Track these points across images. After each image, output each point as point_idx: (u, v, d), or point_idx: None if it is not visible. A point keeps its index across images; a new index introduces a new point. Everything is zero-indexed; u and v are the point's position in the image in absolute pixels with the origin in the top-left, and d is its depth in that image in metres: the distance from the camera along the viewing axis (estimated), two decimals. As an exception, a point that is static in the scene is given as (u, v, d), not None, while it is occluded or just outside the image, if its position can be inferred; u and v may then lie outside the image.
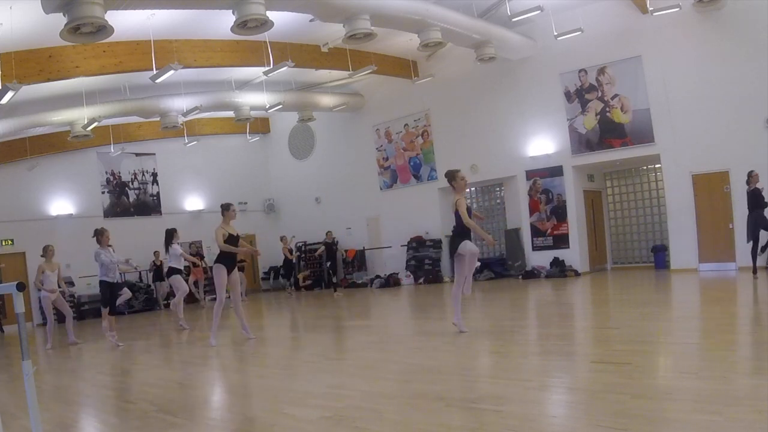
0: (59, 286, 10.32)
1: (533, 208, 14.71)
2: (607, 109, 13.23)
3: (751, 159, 11.31)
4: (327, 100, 16.84)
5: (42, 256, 10.36)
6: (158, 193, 18.64)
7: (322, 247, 16.15)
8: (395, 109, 17.28)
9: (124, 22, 9.28)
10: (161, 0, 8.62)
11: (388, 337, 8.63)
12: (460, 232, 7.07)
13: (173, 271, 11.78)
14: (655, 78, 12.42)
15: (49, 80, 10.59)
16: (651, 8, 11.35)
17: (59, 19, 7.67)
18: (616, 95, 13.07)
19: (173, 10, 9.43)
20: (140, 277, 17.20)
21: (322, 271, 18.94)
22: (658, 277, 12.23)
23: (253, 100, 15.18)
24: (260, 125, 20.01)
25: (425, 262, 16.33)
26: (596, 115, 13.42)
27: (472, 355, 6.41)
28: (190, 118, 14.95)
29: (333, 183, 19.26)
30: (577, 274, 13.73)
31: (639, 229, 14.84)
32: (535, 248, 14.72)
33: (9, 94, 9.10)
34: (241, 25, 8.70)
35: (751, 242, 10.28)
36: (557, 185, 14.27)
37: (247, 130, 18.68)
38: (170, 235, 11.63)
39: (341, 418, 4.14)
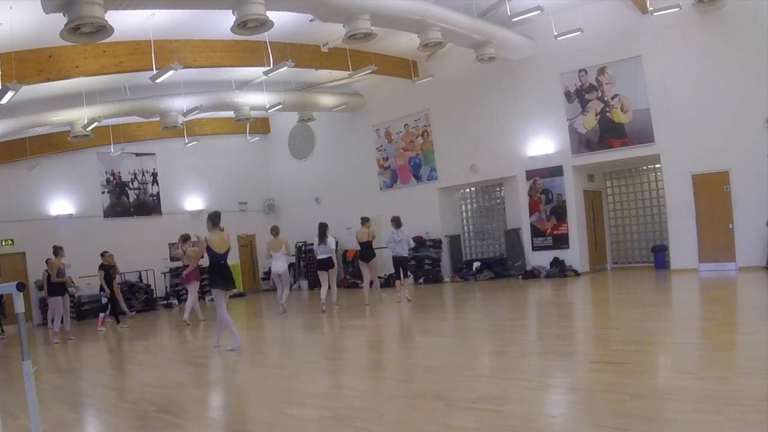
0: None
1: (533, 208, 14.71)
2: (607, 109, 13.23)
3: (751, 159, 11.33)
4: (327, 100, 16.83)
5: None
6: (158, 193, 18.64)
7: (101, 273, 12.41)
8: (395, 109, 17.27)
9: (124, 22, 9.27)
10: (161, 0, 8.62)
11: (388, 337, 8.63)
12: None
13: (325, 263, 11.72)
14: (655, 78, 12.42)
15: (49, 80, 10.59)
16: (651, 8, 11.34)
17: (59, 19, 7.66)
18: (616, 95, 13.07)
19: (173, 10, 9.42)
20: (140, 277, 17.19)
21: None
22: (658, 277, 12.23)
23: (253, 100, 15.18)
24: (260, 125, 20.00)
25: (425, 262, 16.32)
26: (596, 115, 13.42)
27: (472, 355, 6.41)
28: (190, 118, 14.94)
29: (333, 183, 19.26)
30: (577, 274, 13.73)
31: (639, 229, 14.83)
32: (535, 248, 14.71)
33: (9, 94, 9.09)
34: (241, 25, 8.69)
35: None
36: (557, 185, 14.26)
37: (247, 130, 18.67)
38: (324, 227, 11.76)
39: (341, 418, 4.15)
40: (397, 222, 12.15)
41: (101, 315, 12.66)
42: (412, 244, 12.66)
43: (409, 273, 12.38)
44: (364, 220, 12.31)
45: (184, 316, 11.80)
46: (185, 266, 12.30)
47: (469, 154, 15.63)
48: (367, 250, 12.16)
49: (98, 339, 11.36)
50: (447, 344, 7.23)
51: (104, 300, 12.74)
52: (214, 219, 7.80)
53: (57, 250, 11.10)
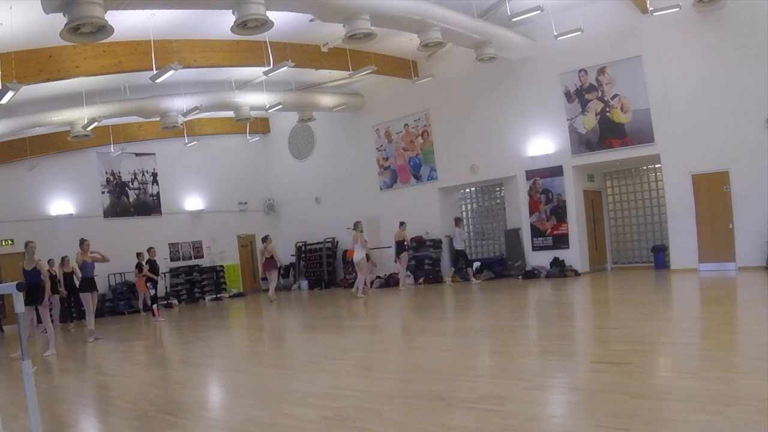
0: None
1: (533, 208, 14.70)
2: (607, 109, 13.23)
3: (751, 159, 11.33)
4: (327, 100, 16.83)
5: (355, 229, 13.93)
6: (158, 193, 18.64)
7: (146, 267, 13.79)
8: (395, 109, 17.27)
9: (124, 22, 9.27)
10: (161, 0, 8.62)
11: (388, 337, 8.63)
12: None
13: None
14: (655, 78, 12.42)
15: (49, 80, 10.58)
16: (651, 8, 11.34)
17: (59, 19, 7.66)
18: (616, 95, 13.07)
19: (173, 10, 9.43)
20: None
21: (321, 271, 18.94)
22: (658, 277, 12.23)
23: (253, 100, 15.17)
24: (260, 125, 20.00)
25: (425, 262, 16.33)
26: (596, 115, 13.42)
27: (472, 355, 6.41)
28: (190, 118, 14.94)
29: (333, 183, 19.26)
30: (577, 274, 13.72)
31: (639, 229, 14.83)
32: (535, 248, 14.71)
33: (9, 94, 9.09)
34: (241, 25, 8.69)
35: None
36: (557, 185, 14.26)
37: (247, 130, 18.68)
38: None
39: (341, 418, 4.15)
40: (456, 221, 14.90)
41: (154, 306, 13.70)
42: (454, 243, 14.90)
43: (468, 261, 14.88)
44: (402, 224, 15.04)
45: (270, 294, 15.17)
46: (267, 259, 15.07)
47: (469, 154, 15.63)
48: (400, 248, 14.88)
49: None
50: (447, 344, 7.23)
51: (152, 292, 13.88)
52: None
53: (81, 243, 10.86)
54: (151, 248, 14.28)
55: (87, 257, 10.77)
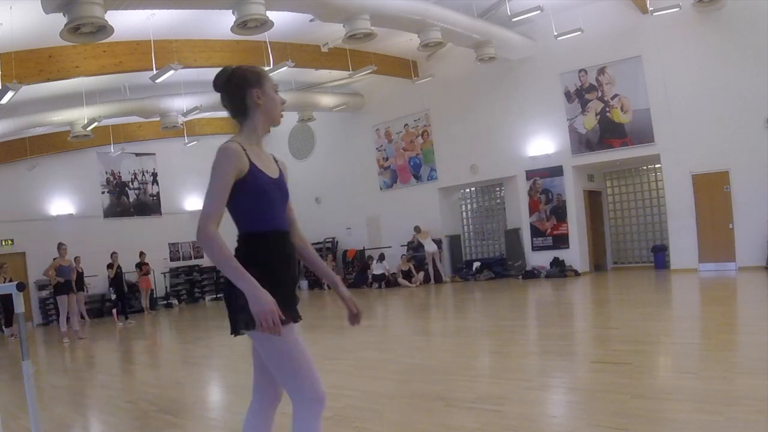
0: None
1: (533, 208, 14.70)
2: (607, 109, 13.23)
3: (751, 159, 11.33)
4: (327, 100, 16.83)
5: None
6: (158, 193, 18.63)
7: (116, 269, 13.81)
8: (395, 109, 17.27)
9: (124, 22, 9.27)
10: (161, 0, 8.62)
11: (388, 337, 8.63)
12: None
13: None
14: (655, 78, 12.42)
15: (49, 80, 10.58)
16: (651, 8, 11.35)
17: (59, 19, 7.67)
18: (616, 95, 13.07)
19: (173, 10, 9.42)
20: (140, 277, 17.18)
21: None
22: (658, 277, 12.23)
23: (253, 100, 15.14)
24: (260, 125, 19.96)
25: (425, 262, 16.32)
26: (596, 115, 13.42)
27: (472, 355, 6.41)
28: (190, 118, 14.94)
29: (333, 183, 19.25)
30: (577, 274, 13.73)
31: (639, 229, 14.84)
32: (535, 248, 14.71)
33: (9, 94, 9.10)
34: (241, 25, 8.70)
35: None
36: (557, 185, 14.26)
37: (247, 130, 18.64)
38: None
39: (341, 418, 4.15)
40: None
41: (114, 310, 13.79)
42: None
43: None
44: (419, 230, 15.93)
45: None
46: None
47: (469, 154, 15.62)
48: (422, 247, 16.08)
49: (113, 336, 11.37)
50: (447, 344, 7.23)
51: (113, 297, 13.95)
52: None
53: (58, 248, 11.13)
54: (140, 252, 14.48)
55: (64, 261, 11.08)
